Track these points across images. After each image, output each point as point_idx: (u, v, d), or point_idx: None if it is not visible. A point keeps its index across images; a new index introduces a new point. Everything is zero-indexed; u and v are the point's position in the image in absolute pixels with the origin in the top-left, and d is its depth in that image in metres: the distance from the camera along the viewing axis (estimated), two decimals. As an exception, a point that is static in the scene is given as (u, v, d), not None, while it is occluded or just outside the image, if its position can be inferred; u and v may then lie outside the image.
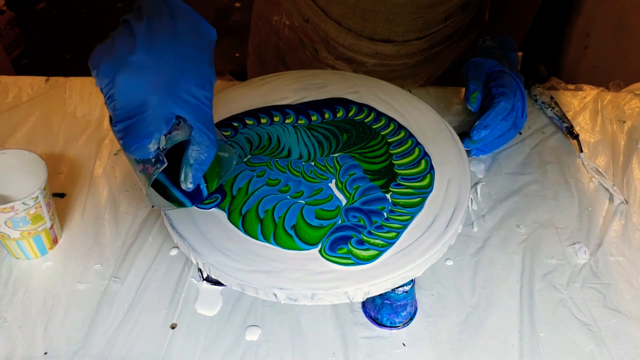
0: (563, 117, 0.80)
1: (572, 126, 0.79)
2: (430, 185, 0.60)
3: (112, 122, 0.49)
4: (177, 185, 0.53)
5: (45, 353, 0.57)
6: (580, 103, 0.85)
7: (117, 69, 0.47)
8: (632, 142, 0.79)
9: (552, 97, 0.83)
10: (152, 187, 0.55)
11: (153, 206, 0.54)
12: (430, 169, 0.62)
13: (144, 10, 0.49)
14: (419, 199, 0.59)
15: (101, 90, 0.48)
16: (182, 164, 0.51)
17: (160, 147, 0.49)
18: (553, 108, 0.81)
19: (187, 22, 0.50)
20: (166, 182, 0.56)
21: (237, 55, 1.01)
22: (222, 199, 0.59)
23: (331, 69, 0.88)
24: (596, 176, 0.74)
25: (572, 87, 0.88)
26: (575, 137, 0.78)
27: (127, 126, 0.47)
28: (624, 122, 0.82)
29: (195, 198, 0.58)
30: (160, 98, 0.47)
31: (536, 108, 0.83)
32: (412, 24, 0.82)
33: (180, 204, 0.57)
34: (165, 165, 0.49)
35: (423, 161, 0.63)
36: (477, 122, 0.71)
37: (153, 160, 0.49)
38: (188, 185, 0.51)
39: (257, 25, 0.96)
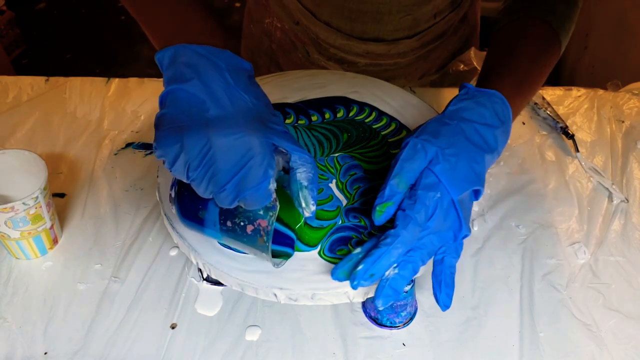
0: (557, 117, 0.80)
1: (566, 126, 0.79)
2: None
3: (204, 189, 0.45)
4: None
5: (45, 353, 0.57)
6: (575, 102, 0.85)
7: (207, 130, 0.45)
8: (630, 141, 0.79)
9: (543, 98, 0.83)
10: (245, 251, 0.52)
11: (275, 265, 0.51)
12: None
13: (183, 72, 0.48)
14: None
15: (186, 165, 0.45)
16: (294, 193, 0.49)
17: (274, 189, 0.47)
18: (546, 109, 0.81)
19: (228, 63, 0.50)
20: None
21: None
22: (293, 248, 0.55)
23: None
24: (594, 176, 0.74)
25: (562, 88, 0.88)
26: (571, 137, 0.78)
27: (240, 180, 0.45)
28: (623, 121, 0.82)
29: (289, 244, 0.54)
30: (260, 136, 0.46)
31: (529, 108, 0.83)
32: (401, 22, 0.82)
33: (285, 255, 0.53)
34: (278, 209, 0.47)
35: None
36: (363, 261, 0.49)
37: (262, 212, 0.48)
38: (311, 209, 0.49)
39: (249, 28, 0.96)
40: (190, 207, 0.51)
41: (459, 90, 0.55)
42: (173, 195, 0.52)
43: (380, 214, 0.50)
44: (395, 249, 0.47)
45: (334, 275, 0.51)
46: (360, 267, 0.48)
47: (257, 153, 0.46)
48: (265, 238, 0.48)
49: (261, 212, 0.48)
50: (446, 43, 0.89)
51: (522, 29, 0.62)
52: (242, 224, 0.49)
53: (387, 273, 0.48)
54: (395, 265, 0.48)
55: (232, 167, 0.45)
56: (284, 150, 0.48)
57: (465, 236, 0.50)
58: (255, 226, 0.48)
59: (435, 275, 0.50)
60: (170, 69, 0.49)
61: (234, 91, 0.48)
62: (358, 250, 0.51)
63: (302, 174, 0.48)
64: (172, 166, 0.46)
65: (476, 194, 0.52)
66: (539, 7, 0.62)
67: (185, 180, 0.47)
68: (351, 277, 0.48)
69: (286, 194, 0.52)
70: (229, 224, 0.49)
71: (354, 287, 0.48)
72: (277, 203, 0.48)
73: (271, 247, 0.50)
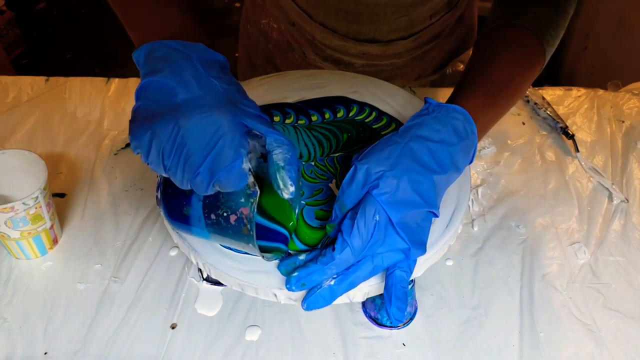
0: (557, 117, 0.80)
1: (566, 126, 0.79)
2: None
3: (181, 178, 0.45)
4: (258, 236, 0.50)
5: (45, 353, 0.57)
6: (575, 102, 0.85)
7: (175, 115, 0.45)
8: (630, 141, 0.79)
9: (543, 98, 0.83)
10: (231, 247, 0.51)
11: (264, 257, 0.50)
12: None
13: (156, 65, 0.48)
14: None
15: (160, 153, 0.45)
16: (271, 175, 0.48)
17: (249, 169, 0.46)
18: (546, 109, 0.81)
19: (200, 54, 0.50)
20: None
21: (236, 55, 1.02)
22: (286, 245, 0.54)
23: None
24: (594, 176, 0.74)
25: (562, 88, 0.88)
26: (571, 137, 0.78)
27: (212, 161, 0.45)
28: (623, 121, 0.82)
29: (282, 240, 0.53)
30: (229, 116, 0.46)
31: (529, 108, 0.83)
32: (396, 23, 0.82)
33: (276, 251, 0.52)
34: (258, 194, 0.46)
35: None
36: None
37: (243, 199, 0.47)
38: (290, 189, 0.48)
39: (247, 28, 0.96)
40: (175, 205, 0.50)
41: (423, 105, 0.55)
42: (159, 196, 0.52)
43: (329, 232, 0.53)
44: (329, 269, 0.48)
45: (279, 267, 0.51)
46: (295, 274, 0.49)
47: (227, 132, 0.45)
48: (249, 226, 0.47)
49: (242, 200, 0.47)
50: (442, 43, 0.89)
51: (503, 37, 0.60)
52: (225, 214, 0.48)
53: (323, 283, 0.49)
54: (334, 276, 0.49)
55: (204, 149, 0.45)
56: (258, 134, 0.47)
57: (418, 255, 0.50)
58: (238, 215, 0.47)
59: (386, 289, 0.50)
60: (146, 65, 0.49)
61: (203, 77, 0.48)
62: (303, 257, 0.51)
63: (279, 155, 0.48)
64: (147, 157, 0.46)
65: (433, 213, 0.51)
66: (524, 14, 0.60)
67: (163, 173, 0.47)
68: (286, 279, 0.50)
69: (274, 190, 0.51)
70: (212, 216, 0.48)
71: (288, 289, 0.50)
72: (257, 188, 0.47)
73: (263, 243, 0.49)
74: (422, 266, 0.55)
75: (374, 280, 0.52)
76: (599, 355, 0.57)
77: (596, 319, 0.60)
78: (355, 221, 0.48)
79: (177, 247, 0.64)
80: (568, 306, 0.61)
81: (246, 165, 0.46)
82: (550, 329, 0.59)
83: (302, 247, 0.55)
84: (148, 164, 0.47)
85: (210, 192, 0.46)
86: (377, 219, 0.48)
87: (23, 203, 0.59)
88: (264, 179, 0.51)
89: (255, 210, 0.47)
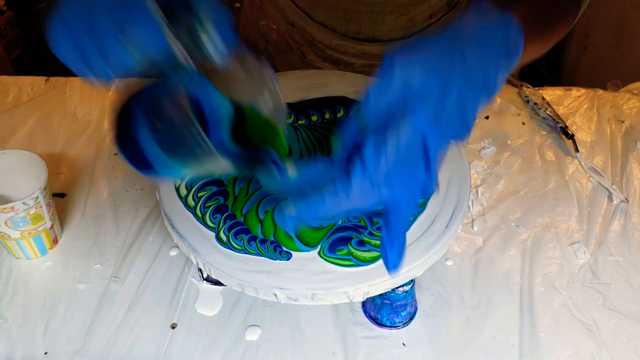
0: (557, 117, 0.80)
1: (566, 126, 0.79)
2: None
3: (102, 59, 0.39)
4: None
5: (46, 353, 0.57)
6: (575, 102, 0.85)
7: None
8: (630, 141, 0.79)
9: (543, 98, 0.83)
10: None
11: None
12: None
13: None
14: (422, 200, 0.59)
15: (73, 39, 0.39)
16: (197, 39, 0.40)
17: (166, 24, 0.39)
18: (546, 109, 0.81)
19: None
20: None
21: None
22: None
23: None
24: (594, 176, 0.74)
25: (562, 88, 0.88)
26: (571, 137, 0.78)
27: (114, 10, 0.38)
28: (623, 121, 0.82)
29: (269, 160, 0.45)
30: None
31: (529, 108, 0.83)
32: (396, 22, 0.82)
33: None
34: (191, 64, 0.40)
35: None
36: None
37: (176, 79, 0.40)
38: (221, 52, 0.40)
39: (245, 30, 0.96)
40: (126, 136, 0.44)
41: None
42: (116, 144, 0.46)
43: (337, 151, 0.41)
44: (339, 201, 0.38)
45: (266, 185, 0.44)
46: (289, 210, 0.39)
47: None
48: (190, 114, 0.40)
49: (177, 82, 0.41)
50: None
51: None
52: (169, 113, 0.41)
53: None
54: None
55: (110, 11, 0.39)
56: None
57: (432, 192, 0.41)
58: (178, 103, 0.41)
59: (388, 230, 0.40)
60: None
61: None
62: (292, 173, 0.42)
63: (205, 13, 0.40)
64: (67, 56, 0.41)
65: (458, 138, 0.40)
66: None
67: (86, 70, 0.41)
68: (277, 214, 0.43)
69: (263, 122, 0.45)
70: (159, 126, 0.42)
71: (282, 228, 0.44)
72: (190, 62, 0.41)
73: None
74: (422, 266, 0.55)
75: (374, 280, 0.52)
76: (599, 355, 0.57)
77: (596, 319, 0.60)
78: (383, 141, 0.37)
79: (177, 247, 0.64)
80: (568, 306, 0.61)
81: (152, 4, 0.39)
82: (550, 329, 0.59)
83: (302, 247, 0.55)
84: (70, 65, 0.41)
85: (122, 51, 0.39)
86: (411, 142, 0.37)
87: (23, 203, 0.59)
88: (243, 110, 0.46)
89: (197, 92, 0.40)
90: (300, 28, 0.86)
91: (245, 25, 0.96)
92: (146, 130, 0.42)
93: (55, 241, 0.66)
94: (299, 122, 0.67)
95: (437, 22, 0.85)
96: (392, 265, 0.41)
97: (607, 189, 0.73)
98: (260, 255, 0.54)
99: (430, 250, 0.55)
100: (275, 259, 0.54)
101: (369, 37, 0.83)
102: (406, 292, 0.56)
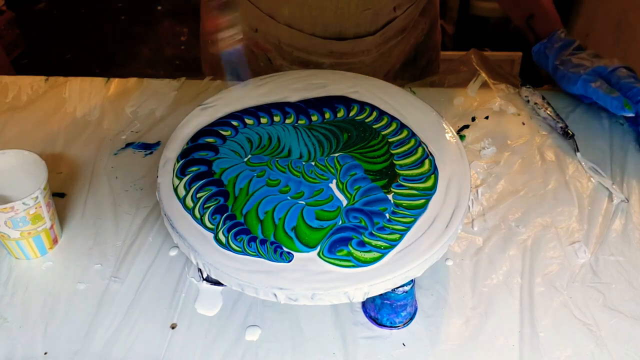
0: (557, 117, 0.80)
1: (566, 126, 0.79)
2: (434, 187, 0.60)
3: None
4: None
5: (45, 353, 0.57)
6: (575, 102, 0.85)
7: None
8: (630, 141, 0.79)
9: (544, 97, 0.83)
10: None
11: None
12: (434, 170, 0.62)
13: None
14: (423, 200, 0.59)
15: None
16: None
17: None
18: (546, 109, 0.81)
19: None
20: None
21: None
22: None
23: None
24: (594, 176, 0.74)
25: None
26: (571, 137, 0.78)
27: None
28: (622, 122, 0.82)
29: None
30: None
31: (529, 108, 0.83)
32: (361, 16, 0.82)
33: None
34: None
35: (427, 161, 0.63)
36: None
37: None
38: None
39: (207, 43, 0.96)
40: None
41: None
42: None
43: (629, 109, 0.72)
44: None
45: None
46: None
47: None
48: None
49: None
50: (408, 37, 0.90)
51: None
52: None
53: None
54: None
55: None
56: None
57: None
58: None
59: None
60: None
61: None
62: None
63: None
64: None
65: None
66: None
67: None
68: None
69: None
70: None
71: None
72: None
73: None
74: (422, 266, 0.55)
75: (374, 280, 0.52)
76: (599, 355, 0.57)
77: (596, 318, 0.60)
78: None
79: (177, 247, 0.64)
80: (568, 306, 0.61)
81: None
82: (550, 329, 0.59)
83: (302, 248, 0.55)
84: None
85: None
86: None
87: (23, 203, 0.59)
88: None
89: None
90: (264, 33, 0.85)
91: (206, 39, 0.96)
92: None
93: (55, 241, 0.66)
94: (299, 122, 0.67)
95: (402, 14, 0.85)
96: (621, 108, 0.72)
97: (607, 188, 0.73)
98: (260, 258, 0.54)
99: (430, 250, 0.55)
100: (276, 261, 0.54)
101: (335, 34, 0.84)
102: (406, 292, 0.56)
